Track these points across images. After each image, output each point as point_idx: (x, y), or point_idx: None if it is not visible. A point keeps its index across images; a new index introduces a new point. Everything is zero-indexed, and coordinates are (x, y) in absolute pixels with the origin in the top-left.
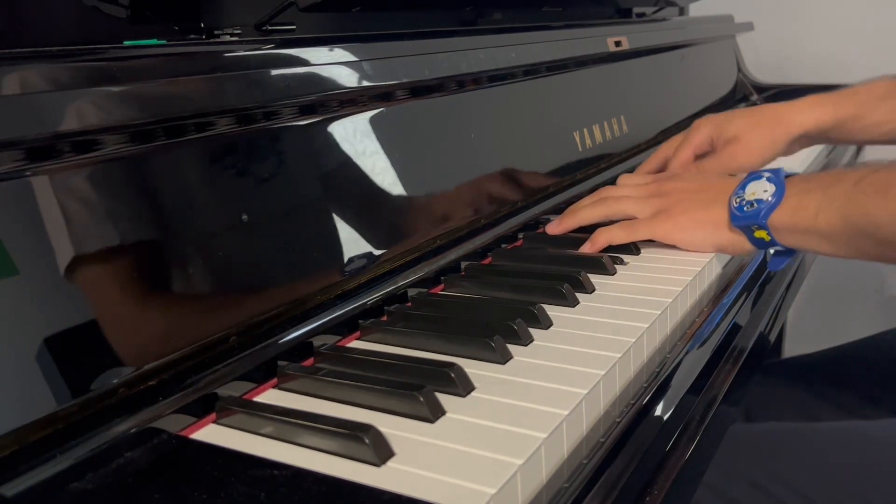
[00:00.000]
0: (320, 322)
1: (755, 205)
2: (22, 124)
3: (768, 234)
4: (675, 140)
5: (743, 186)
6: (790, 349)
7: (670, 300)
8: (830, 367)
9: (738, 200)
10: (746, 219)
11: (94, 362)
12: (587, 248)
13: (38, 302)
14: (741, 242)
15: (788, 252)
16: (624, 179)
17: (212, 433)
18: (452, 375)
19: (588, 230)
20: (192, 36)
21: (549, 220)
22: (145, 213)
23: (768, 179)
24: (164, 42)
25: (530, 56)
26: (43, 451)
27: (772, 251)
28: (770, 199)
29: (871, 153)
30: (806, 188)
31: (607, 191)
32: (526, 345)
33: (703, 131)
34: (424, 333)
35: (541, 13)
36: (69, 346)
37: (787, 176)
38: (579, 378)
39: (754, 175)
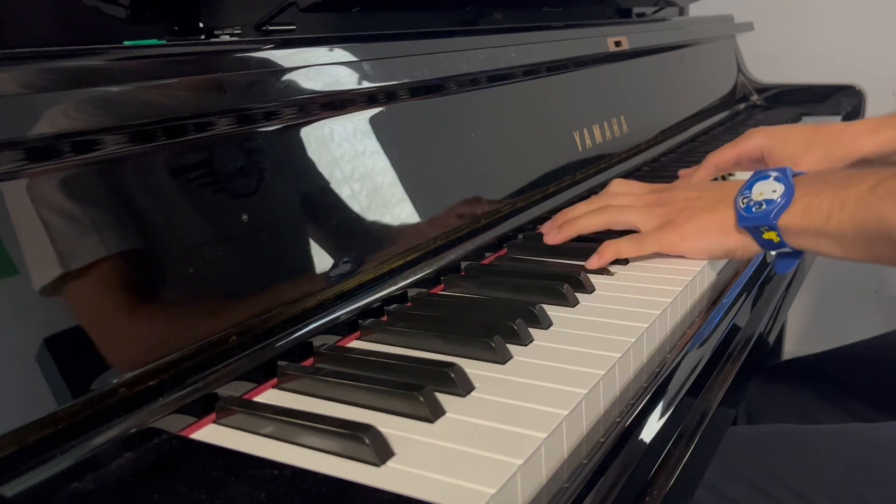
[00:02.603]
0: (320, 322)
1: (764, 205)
2: (22, 124)
3: (777, 235)
4: (725, 147)
5: (749, 186)
6: (790, 350)
7: (670, 300)
8: (831, 368)
9: (745, 201)
10: (755, 219)
11: (95, 362)
12: (595, 263)
13: (38, 302)
14: (749, 244)
15: (796, 254)
16: (618, 186)
17: (212, 433)
18: (452, 375)
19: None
20: (192, 36)
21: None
22: (145, 212)
23: (776, 179)
24: (164, 42)
25: (530, 56)
26: (43, 451)
27: (773, 253)
28: (780, 199)
29: None
30: (816, 189)
31: (606, 198)
32: (526, 345)
33: (755, 141)
34: (424, 333)
35: (541, 13)
36: (69, 345)
37: (795, 175)
38: (579, 378)
39: (760, 174)
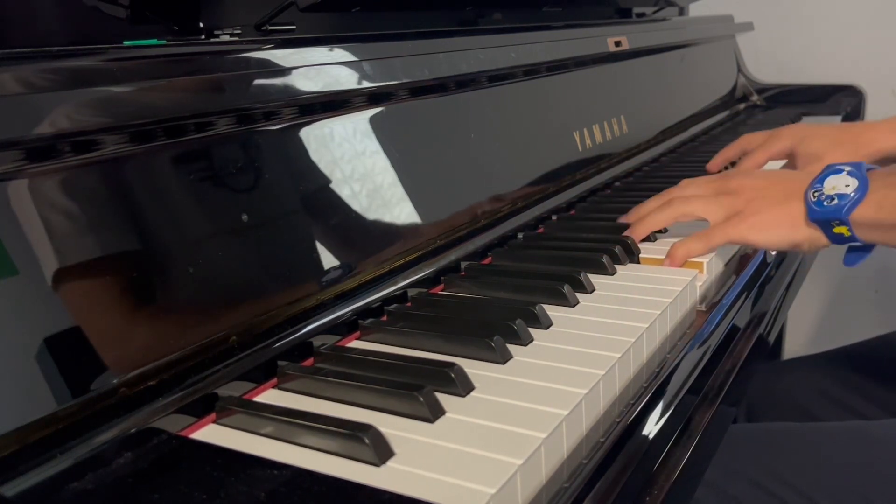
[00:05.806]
0: (320, 322)
1: (836, 199)
2: (22, 124)
3: (849, 229)
4: (758, 137)
5: (821, 180)
6: (790, 349)
7: (670, 300)
8: (831, 367)
9: (816, 195)
10: (827, 213)
11: (95, 362)
12: (667, 265)
13: (38, 302)
14: (818, 238)
15: (866, 248)
16: (685, 181)
17: (212, 433)
18: (452, 375)
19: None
20: (192, 36)
21: (549, 220)
22: (145, 212)
23: (849, 174)
24: (164, 42)
25: (530, 56)
26: (43, 451)
27: (837, 245)
28: (853, 193)
29: None
30: (891, 183)
31: (673, 191)
32: (526, 345)
33: (784, 142)
34: (424, 333)
35: (541, 13)
36: (69, 345)
37: (869, 170)
38: (579, 378)
39: (833, 168)
